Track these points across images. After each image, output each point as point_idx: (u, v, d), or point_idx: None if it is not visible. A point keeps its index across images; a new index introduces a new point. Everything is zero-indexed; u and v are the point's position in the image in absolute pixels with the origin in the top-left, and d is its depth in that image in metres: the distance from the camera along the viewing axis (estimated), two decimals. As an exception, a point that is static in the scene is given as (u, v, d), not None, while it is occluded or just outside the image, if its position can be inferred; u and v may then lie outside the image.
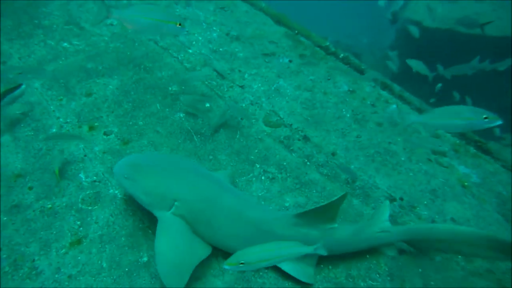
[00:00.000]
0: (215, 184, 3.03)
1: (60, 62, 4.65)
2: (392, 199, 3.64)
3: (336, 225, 2.87)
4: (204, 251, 2.88)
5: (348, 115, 4.42)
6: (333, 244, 2.90)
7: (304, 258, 2.89)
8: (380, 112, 4.51)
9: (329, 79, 4.82)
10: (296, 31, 5.48)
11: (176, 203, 2.88)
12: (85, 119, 4.01)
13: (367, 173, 3.86)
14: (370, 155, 4.03)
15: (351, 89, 4.73)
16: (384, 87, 4.78)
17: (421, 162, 4.02)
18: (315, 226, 2.86)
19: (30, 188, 3.36)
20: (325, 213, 2.79)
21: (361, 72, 4.93)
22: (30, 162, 3.55)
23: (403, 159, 4.04)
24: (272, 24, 5.69)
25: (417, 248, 3.22)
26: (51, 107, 4.09)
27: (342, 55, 5.03)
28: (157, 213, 2.93)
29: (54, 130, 3.88)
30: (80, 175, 3.52)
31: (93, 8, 5.57)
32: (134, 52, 4.84)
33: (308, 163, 3.87)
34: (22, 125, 3.85)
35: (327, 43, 5.21)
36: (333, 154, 3.98)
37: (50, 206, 3.25)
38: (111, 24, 5.29)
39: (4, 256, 2.89)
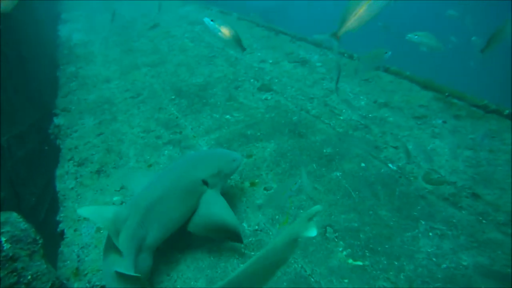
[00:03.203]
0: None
1: (224, 130, 5.29)
2: None
3: None
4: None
5: (528, 174, 3.92)
6: None
7: None
8: None
9: (493, 137, 4.43)
10: (447, 94, 5.32)
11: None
12: (246, 176, 4.35)
13: None
14: None
15: (526, 146, 4.24)
16: None
17: None
18: None
19: (202, 232, 3.67)
20: None
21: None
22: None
23: None
24: (419, 90, 5.66)
25: None
26: (218, 166, 4.57)
27: (507, 111, 4.63)
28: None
29: (220, 185, 4.28)
30: (243, 224, 3.74)
31: (249, 88, 6.38)
32: (288, 120, 5.27)
33: (483, 221, 3.44)
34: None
35: (485, 102, 4.90)
36: (515, 213, 3.48)
37: (216, 248, 3.47)
38: (266, 99, 5.93)
39: (179, 287, 3.15)
